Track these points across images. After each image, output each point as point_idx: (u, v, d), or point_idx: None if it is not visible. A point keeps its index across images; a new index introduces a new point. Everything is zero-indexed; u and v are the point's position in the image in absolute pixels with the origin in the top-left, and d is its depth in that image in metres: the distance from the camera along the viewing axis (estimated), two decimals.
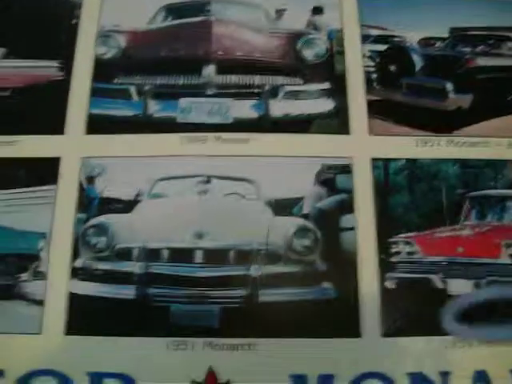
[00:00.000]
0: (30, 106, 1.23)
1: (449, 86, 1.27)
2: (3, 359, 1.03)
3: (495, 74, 1.29)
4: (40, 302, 1.06)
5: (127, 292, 1.07)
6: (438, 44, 1.34)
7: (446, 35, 1.32)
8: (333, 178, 1.15)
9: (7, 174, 1.16)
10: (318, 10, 1.29)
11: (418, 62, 1.32)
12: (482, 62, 1.30)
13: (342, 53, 1.24)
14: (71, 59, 1.23)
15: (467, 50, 1.33)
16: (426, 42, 1.32)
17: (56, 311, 1.05)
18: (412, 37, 1.33)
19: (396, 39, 1.32)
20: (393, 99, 1.28)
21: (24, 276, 1.12)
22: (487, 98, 1.27)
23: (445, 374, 1.01)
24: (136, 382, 1.00)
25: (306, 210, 1.13)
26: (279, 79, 1.28)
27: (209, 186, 1.17)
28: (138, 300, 1.06)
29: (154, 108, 1.23)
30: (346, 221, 1.11)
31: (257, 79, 1.26)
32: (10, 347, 1.03)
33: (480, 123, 1.20)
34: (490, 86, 1.27)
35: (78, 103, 1.20)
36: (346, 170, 1.14)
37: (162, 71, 1.27)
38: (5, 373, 1.01)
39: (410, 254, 1.11)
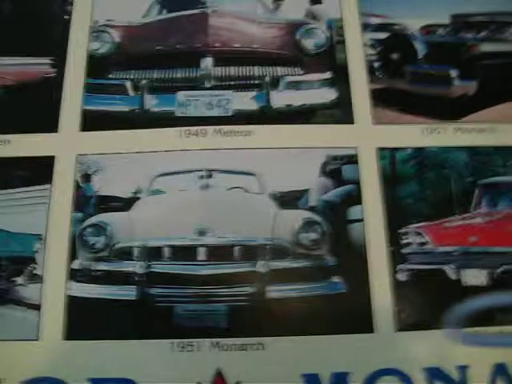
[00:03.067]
0: (22, 103, 1.20)
1: (453, 73, 1.25)
2: (1, 367, 0.98)
3: (499, 59, 1.26)
4: (37, 307, 1.02)
5: (128, 293, 1.04)
6: (440, 31, 1.32)
7: (447, 22, 1.31)
8: (339, 168, 1.12)
9: (0, 175, 1.13)
10: (316, 0, 1.27)
11: (420, 49, 1.29)
12: (485, 47, 1.27)
13: (342, 42, 1.22)
14: (64, 55, 1.21)
15: (470, 36, 1.30)
16: (428, 29, 1.30)
17: (54, 315, 1.01)
18: (413, 24, 1.31)
19: (397, 27, 1.30)
20: (396, 87, 1.27)
21: (19, 280, 1.08)
22: (492, 83, 1.25)
23: (462, 368, 0.97)
24: None
25: (312, 203, 1.11)
26: (279, 70, 1.26)
27: (210, 180, 1.15)
28: (139, 301, 1.03)
29: (151, 102, 1.21)
30: (353, 212, 1.09)
31: (256, 70, 1.24)
32: (6, 355, 0.99)
33: (486, 109, 1.18)
34: (495, 71, 1.26)
35: (72, 100, 1.17)
36: (352, 160, 1.11)
37: (159, 65, 1.24)
38: (2, 382, 0.97)
39: (421, 244, 1.08)
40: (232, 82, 1.22)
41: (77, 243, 1.07)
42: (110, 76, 1.25)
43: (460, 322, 1.00)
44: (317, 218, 1.09)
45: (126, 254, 1.09)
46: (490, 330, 1.00)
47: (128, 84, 1.23)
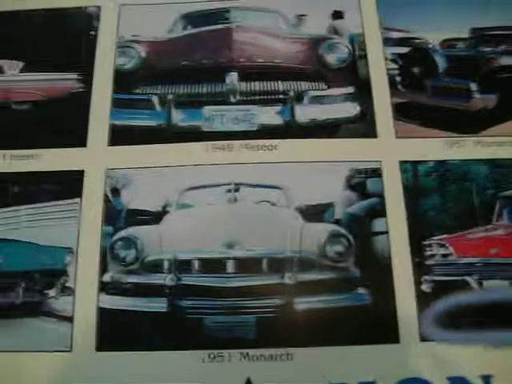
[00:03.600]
0: (51, 118, 1.22)
1: (473, 87, 1.26)
2: (33, 379, 1.00)
3: None
4: (69, 319, 1.04)
5: (159, 305, 1.05)
6: (460, 45, 1.33)
7: (466, 35, 1.31)
8: (363, 182, 1.13)
9: (30, 189, 1.14)
10: (338, 15, 1.28)
11: (441, 63, 1.31)
12: (504, 61, 1.28)
13: (364, 56, 1.23)
14: (91, 71, 1.23)
15: (489, 49, 1.31)
16: (448, 42, 1.31)
17: (86, 327, 1.03)
18: (433, 38, 1.32)
19: (417, 41, 1.31)
20: (418, 101, 1.27)
21: (51, 292, 1.10)
22: None
23: (487, 378, 0.98)
24: None
25: (337, 216, 1.12)
26: (303, 84, 1.27)
27: (238, 194, 1.16)
28: (170, 313, 1.04)
29: (178, 117, 1.22)
30: (378, 225, 1.10)
31: (280, 85, 1.26)
32: (39, 366, 1.01)
33: (506, 123, 1.19)
34: None
35: (100, 115, 1.19)
36: (376, 173, 1.13)
37: (185, 80, 1.26)
38: None
39: (444, 256, 1.10)
40: (257, 97, 1.24)
41: (107, 256, 1.08)
42: (137, 91, 1.26)
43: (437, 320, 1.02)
44: (342, 230, 1.11)
45: (156, 267, 1.10)
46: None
47: (155, 99, 1.25)
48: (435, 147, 1.16)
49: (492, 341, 1.00)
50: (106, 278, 1.07)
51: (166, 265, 1.09)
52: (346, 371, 0.99)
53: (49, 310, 1.09)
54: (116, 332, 1.04)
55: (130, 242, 1.10)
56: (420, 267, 1.06)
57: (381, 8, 1.27)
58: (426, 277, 1.06)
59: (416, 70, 1.32)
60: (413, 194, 1.12)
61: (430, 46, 1.31)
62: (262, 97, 1.24)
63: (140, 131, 1.21)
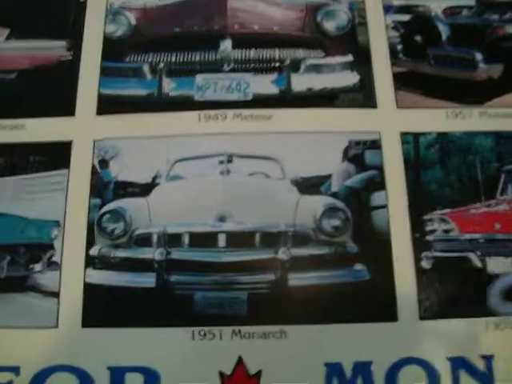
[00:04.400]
0: (38, 87, 1.18)
1: (478, 56, 1.22)
2: (18, 355, 0.97)
3: None
4: (55, 294, 1.00)
5: (147, 280, 1.02)
6: (464, 12, 1.29)
7: (471, 3, 1.29)
8: (361, 153, 1.09)
9: (16, 160, 1.11)
10: None
11: (444, 31, 1.27)
12: (510, 29, 1.24)
13: (364, 24, 1.19)
14: (80, 38, 1.19)
15: (495, 17, 1.27)
16: (452, 10, 1.27)
17: (72, 303, 0.99)
18: (436, 6, 1.28)
19: (420, 9, 1.27)
20: (420, 71, 1.24)
21: (37, 267, 1.07)
22: None
23: (488, 358, 0.95)
24: (160, 376, 0.95)
25: (334, 189, 1.08)
26: (300, 52, 1.23)
27: (231, 165, 1.13)
28: (159, 288, 1.01)
29: (170, 86, 1.19)
30: (376, 199, 1.06)
31: (276, 53, 1.22)
32: (24, 342, 0.98)
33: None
34: None
35: (88, 83, 1.15)
36: (375, 145, 1.09)
37: (177, 48, 1.22)
38: (20, 369, 0.96)
39: (445, 231, 1.06)
40: (251, 65, 1.20)
41: (95, 230, 1.05)
42: (127, 59, 1.23)
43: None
44: (339, 204, 1.07)
45: (144, 241, 1.07)
46: None
47: (145, 67, 1.21)
48: (438, 118, 1.12)
49: None
50: (93, 252, 1.04)
51: (155, 238, 1.06)
52: (342, 350, 0.96)
53: (34, 285, 1.06)
54: (103, 308, 1.00)
55: (118, 215, 1.07)
56: (420, 243, 1.03)
57: None
58: (426, 253, 1.02)
59: (418, 38, 1.28)
60: (413, 166, 1.08)
61: (433, 13, 1.28)
62: (256, 65, 1.20)
63: (129, 100, 1.17)
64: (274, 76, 1.19)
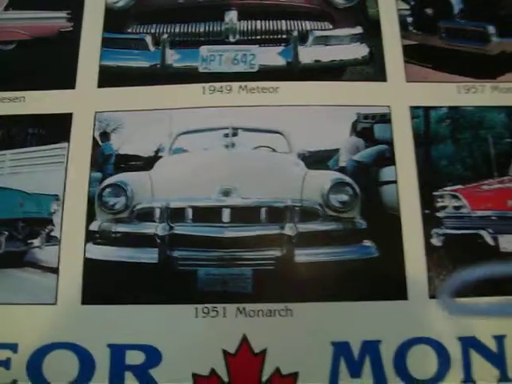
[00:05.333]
0: (38, 59, 1.16)
1: (491, 29, 1.18)
2: (16, 332, 0.95)
3: None
4: (54, 270, 0.98)
5: (149, 256, 0.99)
6: None
7: None
8: (370, 127, 1.07)
9: (15, 133, 1.09)
10: None
11: (456, 3, 1.23)
12: None
13: None
14: (81, 9, 1.17)
15: None
16: None
17: (72, 279, 0.97)
18: None
19: None
20: (430, 44, 1.21)
21: (36, 242, 1.05)
22: None
23: (499, 338, 0.93)
24: (161, 354, 0.92)
25: (342, 163, 1.06)
26: (307, 24, 1.20)
27: (236, 138, 1.10)
28: (161, 264, 0.99)
29: (173, 58, 1.16)
30: (385, 174, 1.04)
31: (283, 24, 1.19)
32: (22, 319, 0.96)
33: None
34: None
35: (89, 55, 1.13)
36: (384, 119, 1.06)
37: (180, 19, 1.19)
38: (18, 347, 0.94)
39: (456, 208, 1.04)
40: (258, 37, 1.17)
41: (95, 204, 1.03)
42: (129, 30, 1.20)
43: (452, 292, 0.95)
44: (347, 179, 1.05)
45: (146, 216, 1.05)
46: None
47: (148, 38, 1.18)
48: (449, 92, 1.09)
49: None
50: (94, 226, 1.01)
51: (157, 213, 1.04)
52: (349, 329, 0.93)
53: (33, 260, 1.04)
54: (103, 284, 0.98)
55: (119, 189, 1.05)
56: (430, 219, 1.00)
57: None
58: (436, 230, 1.00)
59: (429, 10, 1.25)
60: (424, 141, 1.05)
61: None
62: (263, 36, 1.17)
63: (131, 72, 1.14)
64: (280, 48, 1.16)
